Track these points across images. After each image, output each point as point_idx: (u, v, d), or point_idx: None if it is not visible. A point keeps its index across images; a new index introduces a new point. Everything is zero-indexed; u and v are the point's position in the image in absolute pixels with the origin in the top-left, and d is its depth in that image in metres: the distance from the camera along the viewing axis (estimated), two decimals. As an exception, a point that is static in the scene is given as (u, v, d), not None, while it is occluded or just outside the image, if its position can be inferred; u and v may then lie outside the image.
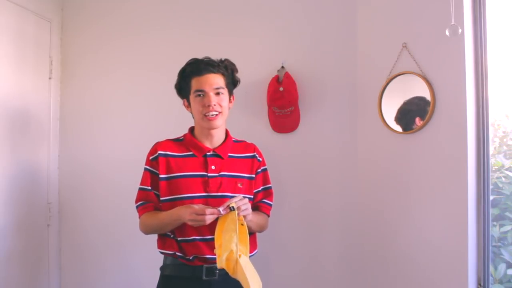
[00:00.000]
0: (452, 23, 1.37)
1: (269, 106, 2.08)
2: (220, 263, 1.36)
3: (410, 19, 1.76)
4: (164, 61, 2.21)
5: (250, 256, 1.57)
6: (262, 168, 1.66)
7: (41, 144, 2.24)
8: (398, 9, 1.82)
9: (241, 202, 1.41)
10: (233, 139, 1.66)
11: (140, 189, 1.59)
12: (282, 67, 2.07)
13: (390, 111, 1.82)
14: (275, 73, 2.07)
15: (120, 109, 2.29)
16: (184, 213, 1.41)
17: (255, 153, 1.65)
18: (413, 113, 1.74)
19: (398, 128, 1.79)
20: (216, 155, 1.57)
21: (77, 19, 2.37)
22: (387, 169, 1.87)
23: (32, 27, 2.16)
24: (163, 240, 1.57)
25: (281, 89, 2.02)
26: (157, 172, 1.56)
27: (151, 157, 1.58)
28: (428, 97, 1.67)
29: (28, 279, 2.13)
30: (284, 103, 2.03)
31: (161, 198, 1.55)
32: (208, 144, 1.58)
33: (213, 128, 1.55)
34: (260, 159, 1.66)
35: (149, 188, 1.57)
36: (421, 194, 1.72)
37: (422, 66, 1.71)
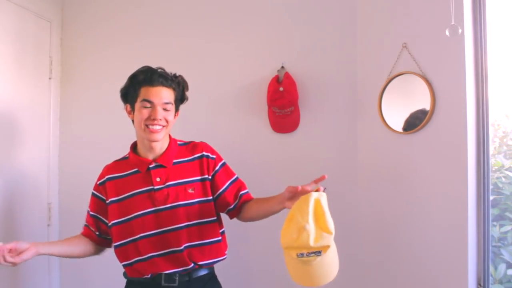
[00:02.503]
0: (452, 23, 1.37)
1: (269, 106, 2.08)
2: (326, 241, 1.22)
3: (410, 19, 1.76)
4: (165, 61, 2.20)
5: (218, 261, 1.56)
6: (219, 164, 1.58)
7: (41, 144, 2.24)
8: (398, 9, 1.82)
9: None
10: (179, 142, 1.60)
11: (87, 211, 1.63)
12: (282, 67, 2.07)
13: (391, 112, 1.82)
14: (275, 73, 2.07)
15: (120, 109, 2.27)
16: None
17: (203, 152, 1.56)
18: (416, 126, 1.73)
19: (399, 128, 1.79)
20: (159, 166, 1.52)
21: (77, 19, 2.37)
22: (387, 169, 1.87)
23: (32, 27, 2.16)
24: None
25: (281, 89, 2.02)
26: (103, 197, 1.57)
27: (98, 182, 1.60)
28: (428, 103, 1.66)
29: (28, 279, 2.13)
30: (284, 103, 2.03)
31: (114, 221, 1.52)
32: (150, 156, 1.53)
33: (154, 141, 1.50)
34: (214, 156, 1.57)
35: (92, 212, 1.60)
36: (421, 194, 1.72)
37: (422, 66, 1.70)
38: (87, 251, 1.58)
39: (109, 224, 1.54)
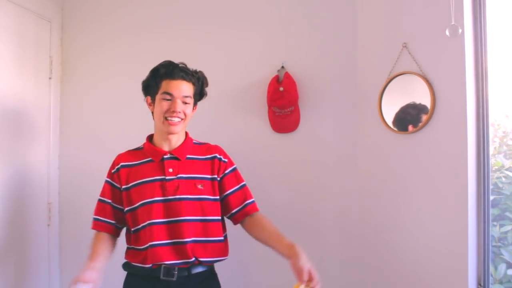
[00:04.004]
0: (452, 23, 1.37)
1: (269, 106, 2.08)
2: None
3: (410, 19, 1.76)
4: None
5: (219, 261, 1.58)
6: (230, 168, 1.63)
7: (41, 143, 2.24)
8: (398, 9, 1.82)
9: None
10: (195, 141, 1.65)
11: (99, 200, 1.61)
12: (282, 67, 2.07)
13: (390, 111, 1.83)
14: (275, 73, 2.07)
15: (120, 109, 2.29)
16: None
17: (216, 154, 1.61)
18: (406, 121, 1.74)
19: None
20: (173, 158, 1.56)
21: (77, 19, 2.37)
22: (387, 169, 1.87)
23: (32, 27, 2.16)
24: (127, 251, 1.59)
25: (281, 89, 2.02)
26: (117, 185, 1.58)
27: (112, 170, 1.60)
28: (424, 101, 1.67)
29: (28, 279, 2.13)
30: (284, 103, 2.03)
31: (127, 208, 1.56)
32: (166, 147, 1.58)
33: (172, 133, 1.55)
34: (226, 160, 1.62)
35: (109, 201, 1.59)
36: (421, 194, 1.72)
37: (422, 66, 1.71)
38: (112, 248, 1.59)
39: (124, 210, 1.57)
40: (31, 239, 2.15)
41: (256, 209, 1.64)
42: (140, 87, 2.24)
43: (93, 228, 1.60)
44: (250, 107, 2.13)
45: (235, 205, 1.61)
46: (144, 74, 2.23)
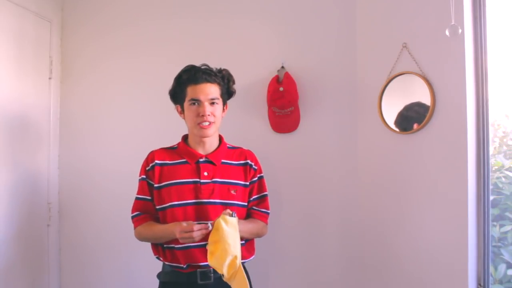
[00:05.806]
0: (452, 23, 1.36)
1: (269, 106, 2.08)
2: (220, 268, 1.35)
3: (410, 19, 1.76)
4: (165, 61, 2.21)
5: (246, 262, 1.60)
6: (258, 176, 1.66)
7: (41, 144, 2.24)
8: (398, 9, 1.82)
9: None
10: (228, 146, 1.66)
11: (138, 198, 1.60)
12: (282, 67, 2.07)
13: (390, 111, 1.82)
14: (275, 73, 2.07)
15: (120, 109, 2.29)
16: (175, 230, 1.42)
17: (247, 160, 1.64)
18: (412, 119, 1.73)
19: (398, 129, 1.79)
20: (208, 162, 1.58)
21: (77, 19, 2.37)
22: (387, 169, 1.87)
23: (32, 27, 2.16)
24: (156, 248, 1.59)
25: (281, 89, 2.02)
26: (152, 182, 1.58)
27: (147, 168, 1.59)
28: (427, 101, 1.66)
29: (28, 279, 2.13)
30: (284, 103, 2.03)
31: (158, 207, 1.56)
32: (201, 151, 1.59)
33: (205, 137, 1.56)
34: (256, 168, 1.66)
35: (149, 198, 1.58)
36: (421, 194, 1.72)
37: (422, 66, 1.70)
38: None
39: (156, 208, 1.57)
40: (31, 239, 2.15)
41: (263, 219, 1.66)
42: (138, 87, 2.26)
43: (136, 225, 1.59)
44: (250, 107, 2.13)
45: (247, 209, 1.64)
46: (144, 74, 2.25)
